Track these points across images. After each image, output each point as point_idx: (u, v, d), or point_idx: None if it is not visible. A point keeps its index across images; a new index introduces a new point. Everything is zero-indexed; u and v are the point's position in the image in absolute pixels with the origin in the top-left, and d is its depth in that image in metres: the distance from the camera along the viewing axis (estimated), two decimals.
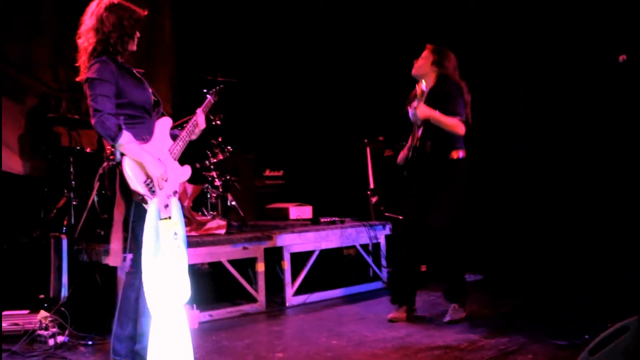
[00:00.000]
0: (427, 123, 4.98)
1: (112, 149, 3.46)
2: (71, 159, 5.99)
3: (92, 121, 3.36)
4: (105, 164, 3.57)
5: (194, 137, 3.93)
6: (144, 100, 3.64)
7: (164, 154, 3.64)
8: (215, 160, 6.51)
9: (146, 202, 3.34)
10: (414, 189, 5.19)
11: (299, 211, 7.52)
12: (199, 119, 3.93)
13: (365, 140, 7.47)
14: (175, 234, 3.15)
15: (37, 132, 6.83)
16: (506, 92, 7.40)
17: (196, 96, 4.97)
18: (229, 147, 6.55)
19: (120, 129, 3.32)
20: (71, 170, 5.96)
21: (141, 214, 3.42)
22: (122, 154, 3.37)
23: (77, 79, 3.63)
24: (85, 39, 3.57)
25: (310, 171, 8.83)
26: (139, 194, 3.33)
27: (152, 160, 3.41)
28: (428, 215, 4.99)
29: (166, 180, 3.48)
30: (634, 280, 5.23)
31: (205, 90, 4.33)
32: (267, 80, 8.68)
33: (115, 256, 3.56)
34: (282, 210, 7.61)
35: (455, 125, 4.87)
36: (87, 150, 6.21)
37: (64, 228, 5.81)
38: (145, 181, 3.37)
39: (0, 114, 6.29)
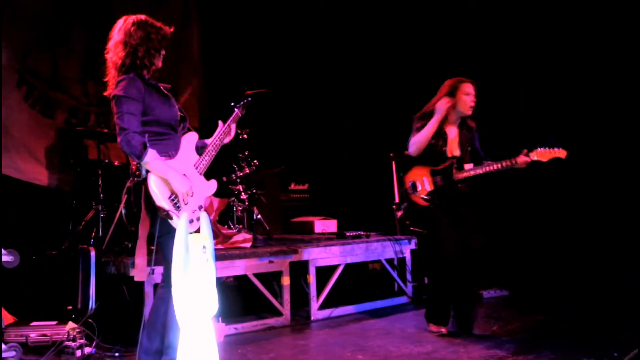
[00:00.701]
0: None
1: (137, 166, 3.50)
2: (99, 172, 6.07)
3: (118, 139, 3.41)
4: (131, 179, 3.61)
5: (226, 140, 3.99)
6: (170, 117, 3.68)
7: (190, 169, 3.67)
8: (241, 174, 6.54)
9: (171, 218, 3.37)
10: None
11: (324, 225, 7.53)
12: (230, 129, 3.99)
13: (391, 154, 7.45)
14: (204, 247, 3.16)
15: (65, 145, 6.93)
16: (506, 93, 7.35)
17: (224, 110, 5.01)
18: (255, 161, 6.58)
19: (145, 147, 3.36)
20: (99, 183, 6.04)
21: (167, 229, 3.45)
22: (147, 171, 3.41)
23: (105, 94, 3.68)
24: (114, 53, 3.63)
25: (335, 185, 8.83)
26: (164, 210, 3.36)
27: (177, 177, 3.44)
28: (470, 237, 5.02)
29: (191, 196, 3.51)
30: (635, 280, 5.19)
31: (232, 104, 4.35)
32: (293, 94, 8.71)
33: (140, 271, 3.58)
34: (307, 224, 7.62)
35: None
36: (115, 164, 6.29)
37: (92, 240, 5.88)
38: (170, 197, 3.41)
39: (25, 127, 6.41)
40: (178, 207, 3.42)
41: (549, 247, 7.08)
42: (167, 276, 3.55)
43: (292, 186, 8.41)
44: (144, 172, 3.45)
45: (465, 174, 5.03)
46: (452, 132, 5.20)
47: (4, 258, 4.40)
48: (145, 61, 3.63)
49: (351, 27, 8.69)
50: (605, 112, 6.61)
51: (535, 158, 4.80)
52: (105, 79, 3.69)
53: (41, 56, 7.00)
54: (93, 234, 5.98)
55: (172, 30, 3.78)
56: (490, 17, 7.35)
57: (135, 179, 3.55)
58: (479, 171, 4.99)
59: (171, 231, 3.42)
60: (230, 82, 7.11)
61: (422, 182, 5.21)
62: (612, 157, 6.58)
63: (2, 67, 6.50)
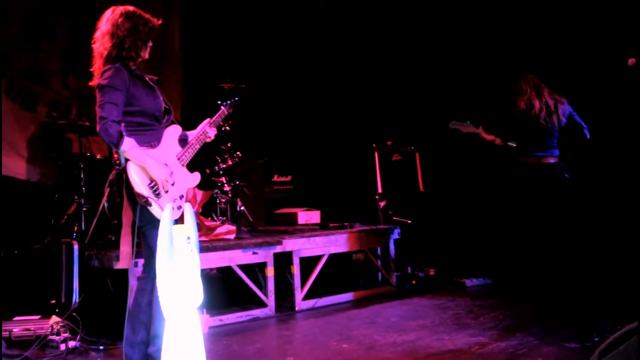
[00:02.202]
0: None
1: (118, 155, 3.51)
2: (82, 166, 6.04)
3: (97, 128, 3.42)
4: (114, 170, 3.61)
5: (211, 134, 4.01)
6: (154, 108, 3.68)
7: (172, 159, 3.68)
8: (224, 166, 6.53)
9: (150, 205, 3.38)
10: None
11: (308, 216, 7.55)
12: (209, 132, 3.99)
13: (374, 145, 7.48)
14: (189, 238, 3.17)
15: (47, 139, 6.88)
16: (505, 93, 7.38)
17: (206, 104, 5.00)
18: (238, 153, 6.57)
19: (121, 136, 3.37)
20: (82, 176, 6.01)
21: (149, 217, 3.46)
22: (127, 160, 3.42)
23: (91, 84, 3.67)
24: (100, 43, 3.62)
25: (318, 176, 8.85)
26: (143, 197, 3.38)
27: (154, 164, 3.45)
28: None
29: (172, 185, 3.52)
30: (636, 280, 5.24)
31: (219, 102, 4.35)
32: (274, 86, 8.71)
33: (124, 259, 3.59)
34: (291, 215, 7.63)
35: None
36: (98, 157, 6.26)
37: (75, 234, 5.86)
38: (150, 184, 3.42)
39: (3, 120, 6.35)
40: (158, 194, 3.43)
41: (533, 235, 7.12)
42: (148, 266, 3.56)
43: (276, 178, 8.41)
44: (123, 161, 3.46)
45: None
46: None
47: None
48: (131, 52, 3.63)
49: (335, 17, 8.69)
50: (609, 112, 6.67)
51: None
52: (91, 69, 3.67)
53: (23, 50, 6.94)
54: (76, 227, 5.95)
55: (160, 22, 3.77)
56: (490, 16, 7.38)
57: (117, 167, 3.56)
58: None
59: (153, 220, 3.43)
60: (212, 76, 7.09)
61: None
62: (612, 157, 6.65)
63: None
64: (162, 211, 3.33)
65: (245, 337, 4.92)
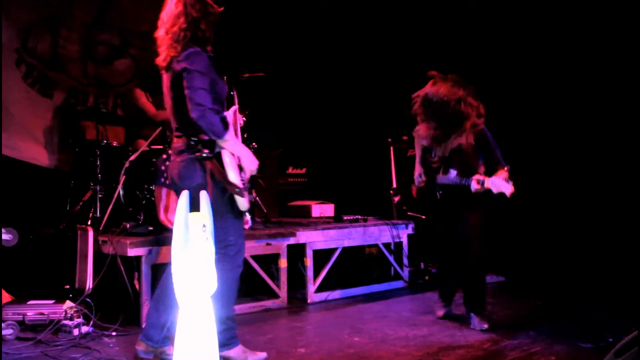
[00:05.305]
0: None
1: (197, 142, 3.52)
2: (98, 153, 6.05)
3: (194, 114, 3.41)
4: (164, 156, 3.64)
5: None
6: (224, 93, 3.71)
7: None
8: None
9: (242, 196, 3.44)
10: None
11: (321, 209, 7.53)
12: (240, 119, 4.03)
13: (389, 140, 7.45)
14: (204, 226, 3.16)
15: (64, 125, 6.94)
16: (505, 94, 7.35)
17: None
18: (253, 144, 6.57)
19: (227, 126, 3.38)
20: (97, 163, 6.03)
21: (226, 207, 3.59)
22: (212, 149, 3.47)
23: (159, 62, 3.67)
24: (172, 23, 3.58)
25: (332, 169, 8.83)
26: (237, 187, 3.41)
27: (250, 155, 3.53)
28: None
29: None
30: None
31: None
32: (291, 78, 8.69)
33: None
34: (305, 208, 7.62)
35: None
36: (114, 144, 6.28)
37: (90, 220, 5.88)
38: (240, 174, 3.46)
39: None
40: (243, 184, 3.47)
41: (547, 234, 7.10)
42: None
43: (290, 170, 8.40)
44: (205, 150, 3.47)
45: None
46: None
47: (3, 237, 4.41)
48: (207, 34, 3.63)
49: (353, 9, 8.65)
50: (613, 113, 6.65)
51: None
52: (160, 49, 3.66)
53: (41, 36, 6.98)
54: (91, 214, 5.98)
55: (221, 9, 3.76)
56: (490, 16, 7.34)
57: (196, 154, 3.55)
58: None
59: (228, 211, 3.59)
60: (229, 64, 7.08)
61: None
62: (612, 156, 6.63)
63: (1, 46, 6.49)
64: (246, 202, 3.38)
65: (257, 328, 4.92)
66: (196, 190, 3.37)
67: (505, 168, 4.79)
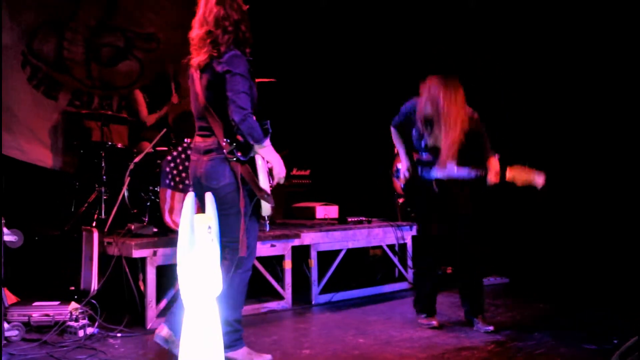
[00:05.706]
0: None
1: (230, 144, 3.54)
2: (102, 154, 6.07)
3: (236, 117, 3.42)
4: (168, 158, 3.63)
5: None
6: (256, 97, 3.69)
7: None
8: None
9: (270, 202, 3.50)
10: None
11: (326, 210, 7.52)
12: None
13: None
14: (209, 227, 3.17)
15: (69, 127, 6.95)
16: (505, 94, 7.34)
17: None
18: None
19: (267, 133, 3.40)
20: (102, 165, 6.05)
21: (253, 211, 3.66)
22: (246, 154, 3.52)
23: (192, 62, 3.67)
24: (215, 25, 3.57)
25: (337, 171, 8.83)
26: (267, 193, 3.43)
27: (281, 161, 3.53)
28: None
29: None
30: None
31: None
32: (295, 81, 8.68)
33: (242, 247, 3.63)
34: (309, 210, 7.61)
35: None
36: (119, 146, 6.30)
37: (95, 222, 5.90)
38: (269, 180, 3.50)
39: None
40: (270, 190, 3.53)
41: (551, 235, 7.09)
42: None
43: (294, 172, 8.40)
44: (238, 154, 3.49)
45: None
46: None
47: (8, 238, 4.41)
48: (247, 35, 3.63)
49: (360, 9, 8.66)
50: (609, 109, 6.64)
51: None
52: (197, 50, 3.64)
53: (47, 38, 7.00)
54: (96, 215, 5.99)
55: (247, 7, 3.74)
56: (490, 16, 7.34)
57: (228, 155, 3.55)
58: None
59: (254, 214, 3.64)
60: None
61: None
62: (612, 156, 6.62)
63: (7, 48, 6.52)
64: (270, 208, 3.42)
65: (262, 329, 4.93)
66: (220, 192, 3.37)
67: (496, 156, 4.67)
